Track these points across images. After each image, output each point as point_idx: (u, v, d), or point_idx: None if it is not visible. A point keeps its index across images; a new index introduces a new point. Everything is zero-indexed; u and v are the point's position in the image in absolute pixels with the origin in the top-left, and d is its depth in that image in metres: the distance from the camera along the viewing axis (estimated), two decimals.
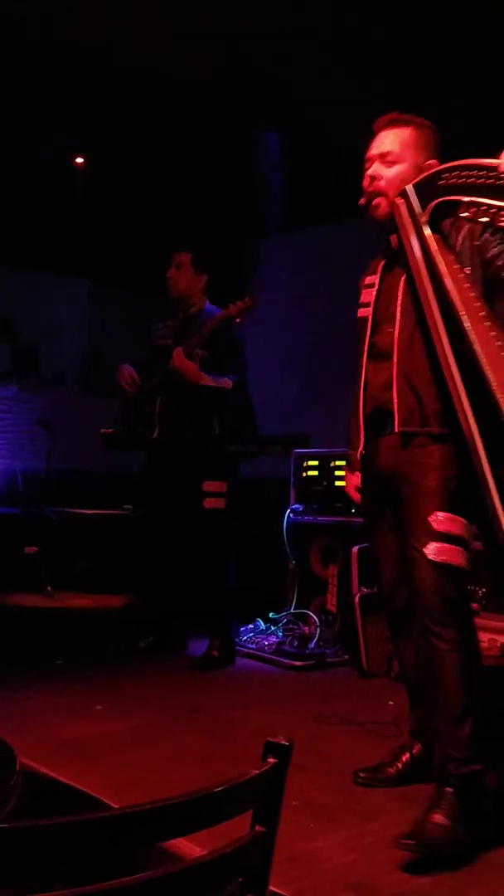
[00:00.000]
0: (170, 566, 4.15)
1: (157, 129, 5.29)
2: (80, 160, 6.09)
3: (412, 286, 2.13)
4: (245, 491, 4.32)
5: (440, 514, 2.19)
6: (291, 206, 5.78)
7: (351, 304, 2.60)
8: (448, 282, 2.03)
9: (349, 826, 2.25)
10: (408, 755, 2.54)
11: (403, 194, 2.13)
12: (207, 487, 3.95)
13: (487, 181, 1.92)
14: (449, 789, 2.11)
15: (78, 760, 2.63)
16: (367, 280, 2.53)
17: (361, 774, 2.52)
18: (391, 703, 3.34)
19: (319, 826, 2.22)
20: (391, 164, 2.37)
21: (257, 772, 0.97)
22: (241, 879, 0.97)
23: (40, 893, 0.76)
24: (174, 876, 0.86)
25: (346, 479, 2.75)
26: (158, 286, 4.22)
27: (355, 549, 4.04)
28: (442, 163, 2.18)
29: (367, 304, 2.50)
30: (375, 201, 2.37)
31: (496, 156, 1.91)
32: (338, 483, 4.37)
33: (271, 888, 0.99)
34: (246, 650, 4.20)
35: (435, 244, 2.07)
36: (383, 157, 2.38)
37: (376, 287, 2.47)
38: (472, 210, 1.96)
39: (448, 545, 2.18)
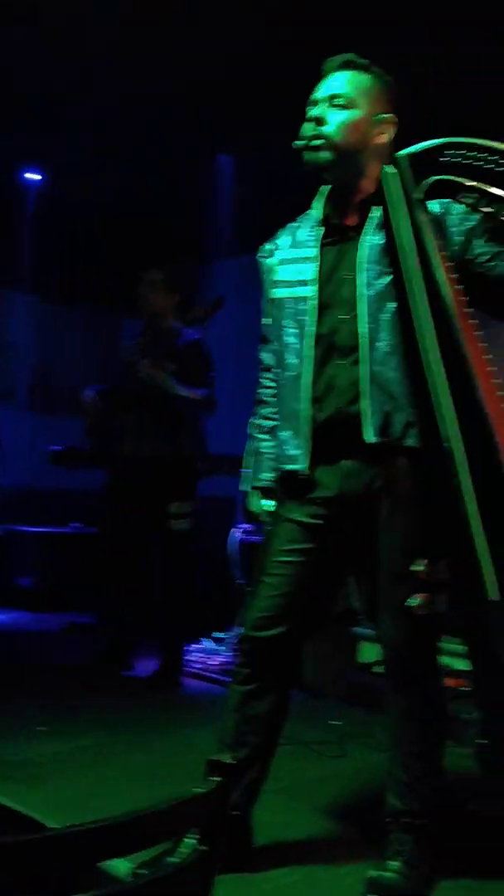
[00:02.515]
0: (127, 585, 4.10)
1: (109, 148, 5.30)
2: (30, 176, 6.07)
3: (395, 274, 1.86)
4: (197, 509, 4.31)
5: (425, 563, 1.96)
6: (241, 230, 5.82)
7: None
8: (441, 274, 1.80)
9: (291, 846, 2.25)
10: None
11: (397, 162, 1.84)
12: (175, 508, 3.92)
13: (497, 168, 1.75)
14: (405, 836, 2.05)
15: (20, 782, 2.59)
16: (289, 254, 2.14)
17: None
18: (337, 722, 3.36)
19: (262, 846, 2.21)
20: (341, 107, 2.02)
21: (201, 790, 0.97)
22: None
23: None
24: None
25: (254, 501, 2.32)
26: (108, 303, 4.22)
27: None
28: (398, 124, 2.03)
29: (302, 282, 2.08)
30: (316, 143, 2.01)
31: None
32: None
33: None
34: (193, 670, 4.18)
35: (428, 228, 1.83)
36: (332, 99, 2.03)
37: (318, 263, 2.08)
38: (475, 196, 1.78)
39: (431, 594, 1.98)
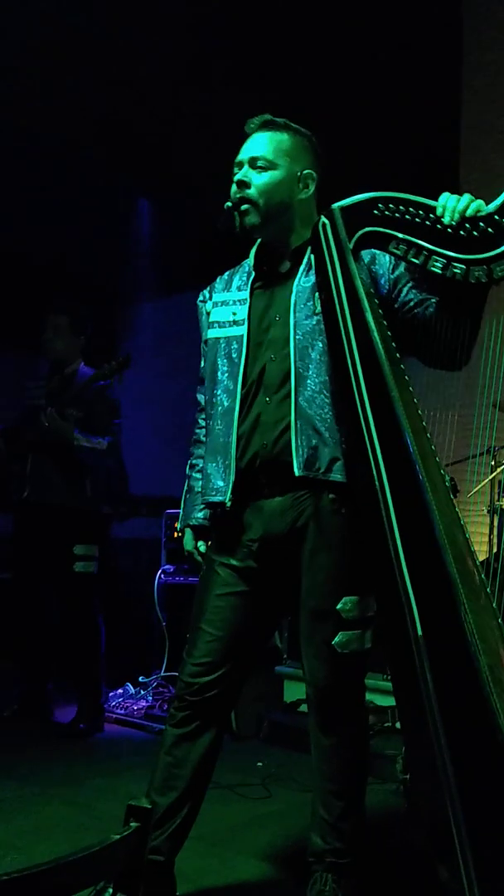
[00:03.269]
0: (37, 631, 4.04)
1: (31, 188, 5.29)
2: None
3: (328, 316, 1.95)
4: (115, 552, 4.28)
5: (348, 601, 2.00)
6: (163, 272, 5.87)
7: None
8: (369, 317, 1.89)
9: (214, 892, 2.23)
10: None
11: (331, 213, 1.95)
12: (78, 551, 3.88)
13: (426, 222, 1.86)
14: (328, 875, 2.05)
15: None
16: (223, 297, 2.22)
17: None
18: (260, 764, 3.35)
19: (185, 893, 2.18)
20: (262, 169, 2.10)
21: (118, 836, 0.97)
22: None
23: None
24: None
25: (187, 540, 2.31)
26: (21, 345, 4.17)
27: None
28: (320, 176, 2.14)
29: (235, 323, 2.16)
30: (243, 208, 2.09)
31: (436, 197, 1.88)
32: None
33: None
34: (115, 716, 4.11)
35: (359, 275, 1.93)
36: (253, 162, 2.11)
37: (248, 305, 2.16)
38: (404, 248, 1.88)
39: (355, 632, 2.01)
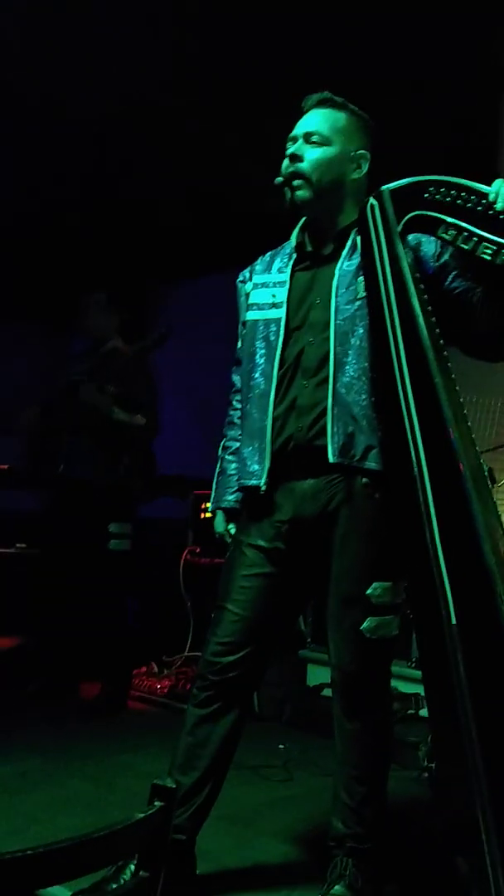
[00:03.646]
0: (67, 607, 4.05)
1: (63, 169, 5.28)
2: None
3: (372, 300, 1.92)
4: (142, 531, 4.28)
5: (379, 587, 1.99)
6: (192, 253, 5.84)
7: None
8: (415, 302, 1.85)
9: (235, 872, 2.23)
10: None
11: (380, 195, 1.93)
12: (113, 528, 3.89)
13: (477, 207, 1.82)
14: (348, 860, 2.05)
15: None
16: (263, 279, 2.19)
17: None
18: (282, 746, 3.35)
19: (205, 872, 2.19)
20: (317, 145, 2.08)
21: (142, 815, 0.96)
22: None
23: None
24: None
25: (218, 522, 2.31)
26: (43, 320, 4.17)
27: None
28: (373, 158, 2.11)
29: (275, 305, 2.14)
30: (296, 182, 2.07)
31: (489, 182, 1.84)
32: None
33: None
34: (138, 693, 4.14)
35: (406, 260, 1.89)
36: (308, 137, 2.09)
37: (288, 287, 2.13)
38: (454, 233, 1.84)
39: (384, 617, 2.01)
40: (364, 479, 2.00)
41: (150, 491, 4.29)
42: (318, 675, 3.90)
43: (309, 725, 3.59)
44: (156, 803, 0.98)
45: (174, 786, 1.00)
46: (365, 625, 2.00)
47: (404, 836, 2.47)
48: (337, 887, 2.02)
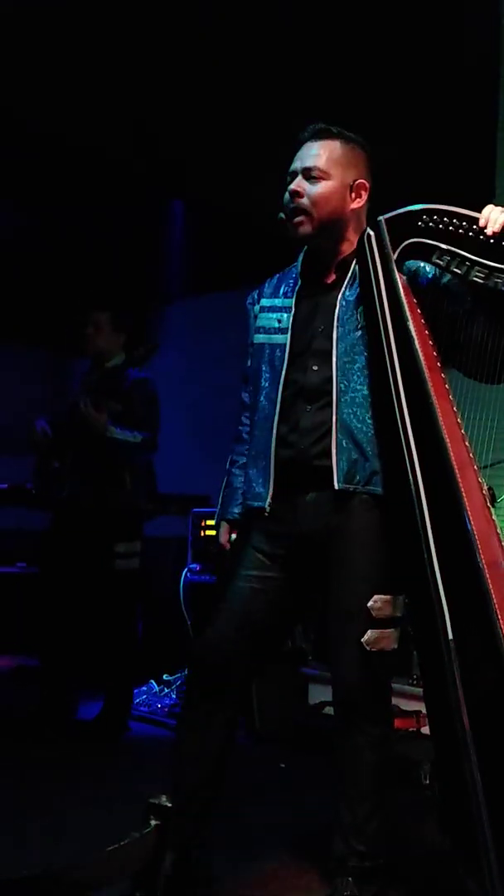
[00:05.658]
0: (71, 627, 4.01)
1: (61, 195, 5.33)
2: None
3: (370, 327, 2.01)
4: (142, 550, 4.28)
5: (379, 599, 2.02)
6: (192, 272, 5.88)
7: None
8: (410, 327, 1.94)
9: (231, 894, 2.22)
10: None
11: (375, 227, 2.02)
12: (119, 549, 3.87)
13: (469, 234, 1.90)
14: (352, 879, 2.05)
15: None
16: (270, 303, 2.26)
17: None
18: (283, 765, 3.34)
19: (204, 893, 2.17)
20: (316, 180, 2.14)
21: (138, 835, 0.96)
22: None
23: None
24: None
25: (222, 533, 2.35)
26: (47, 342, 4.19)
27: None
28: (372, 185, 2.18)
29: (280, 331, 2.19)
30: (297, 219, 2.14)
31: (479, 209, 1.92)
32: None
33: None
34: (139, 713, 4.12)
35: (402, 286, 1.97)
36: (307, 173, 2.14)
37: (293, 313, 2.19)
38: (447, 259, 1.92)
39: (384, 630, 2.04)
40: (365, 496, 2.06)
41: (150, 509, 4.28)
42: (319, 693, 3.89)
43: (310, 744, 3.57)
44: (151, 822, 0.98)
45: (170, 804, 1.00)
46: (365, 637, 2.02)
47: (407, 855, 2.45)
48: None
